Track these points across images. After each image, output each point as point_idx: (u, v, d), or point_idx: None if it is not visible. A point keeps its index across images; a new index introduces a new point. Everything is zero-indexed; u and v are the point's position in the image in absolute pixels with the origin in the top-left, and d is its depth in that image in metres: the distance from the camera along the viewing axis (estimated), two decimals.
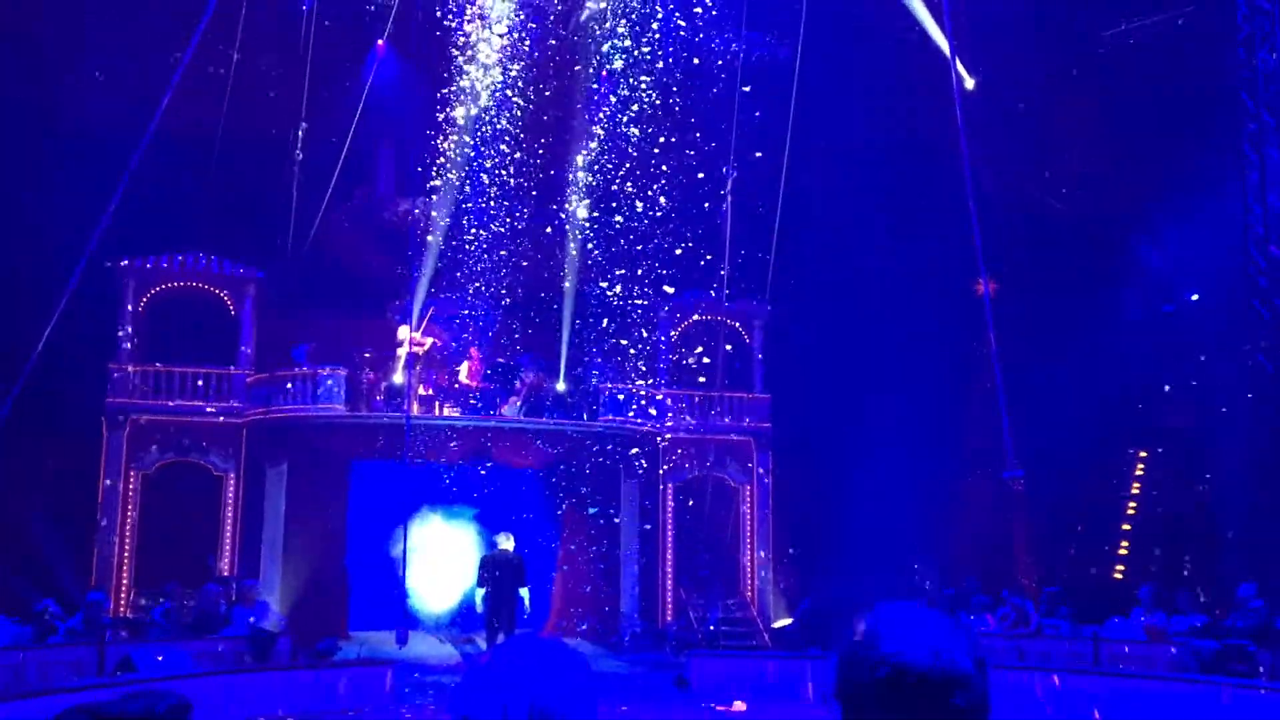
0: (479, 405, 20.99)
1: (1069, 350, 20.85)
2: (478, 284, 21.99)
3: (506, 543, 17.52)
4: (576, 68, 22.72)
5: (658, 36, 21.93)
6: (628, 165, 21.99)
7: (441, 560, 20.93)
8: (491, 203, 22.28)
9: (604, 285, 22.49)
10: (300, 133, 22.92)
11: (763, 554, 23.07)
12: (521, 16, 22.16)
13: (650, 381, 22.74)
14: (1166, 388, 21.96)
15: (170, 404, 20.64)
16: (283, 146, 22.92)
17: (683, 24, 21.74)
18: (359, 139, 22.15)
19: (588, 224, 22.60)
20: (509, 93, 22.22)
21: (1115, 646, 14.58)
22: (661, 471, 22.44)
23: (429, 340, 21.37)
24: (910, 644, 2.19)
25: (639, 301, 22.43)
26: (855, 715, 2.24)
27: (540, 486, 21.48)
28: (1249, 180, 15.97)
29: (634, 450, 21.78)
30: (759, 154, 21.76)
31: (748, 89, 21.10)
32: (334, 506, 20.36)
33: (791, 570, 23.59)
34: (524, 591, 17.20)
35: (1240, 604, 14.84)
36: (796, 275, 22.22)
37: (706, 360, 23.38)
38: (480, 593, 17.47)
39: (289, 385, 20.64)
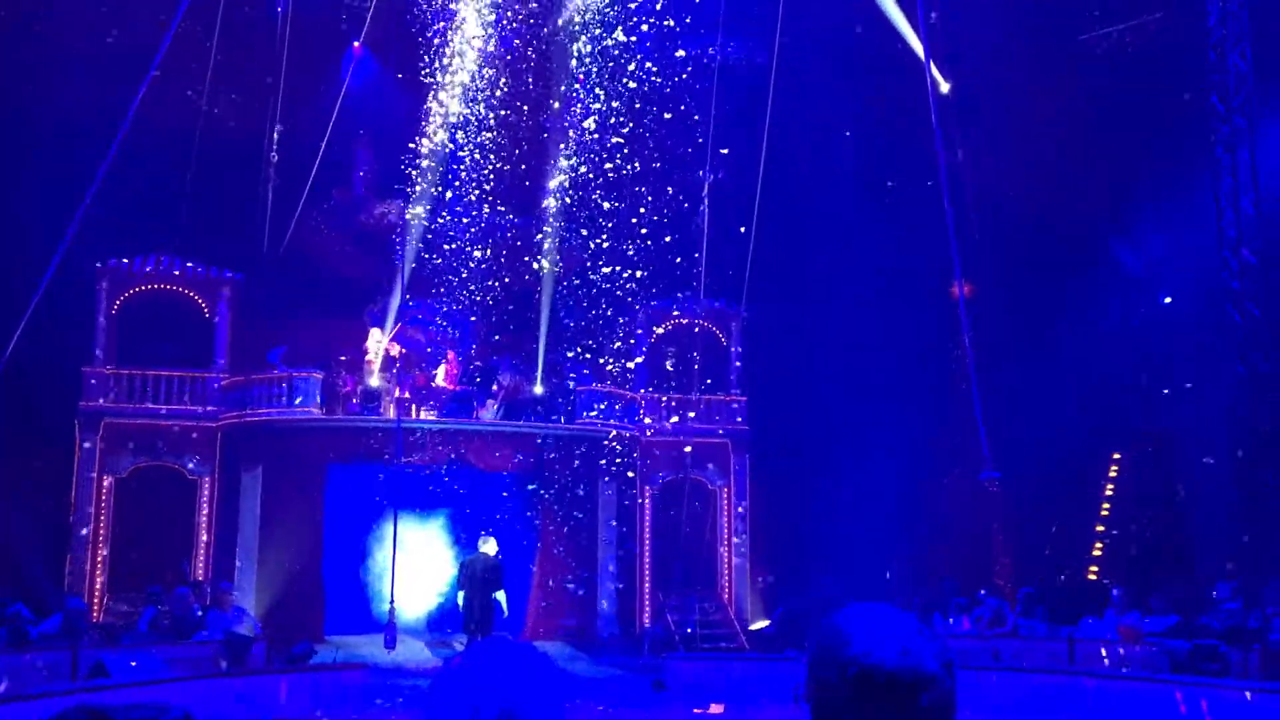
0: (462, 393, 21.07)
1: (1045, 353, 20.82)
2: (455, 286, 21.90)
3: (486, 546, 17.56)
4: (555, 70, 22.74)
5: (635, 40, 21.95)
6: (605, 168, 21.90)
7: (419, 564, 20.69)
8: (468, 205, 22.25)
9: (581, 288, 22.43)
10: (276, 134, 22.78)
11: (740, 556, 23.10)
12: (501, 20, 22.22)
13: (628, 384, 22.79)
14: (1141, 390, 21.99)
15: (144, 407, 20.52)
16: (258, 148, 22.75)
17: (663, 24, 21.73)
18: (335, 141, 21.99)
19: (565, 227, 22.60)
20: (486, 95, 22.19)
21: (1090, 646, 14.71)
22: (639, 474, 22.45)
23: (396, 347, 21.34)
24: (879, 644, 2.23)
25: (616, 304, 22.40)
26: (825, 715, 2.27)
27: (518, 489, 21.31)
28: (1222, 184, 16.04)
29: (611, 453, 21.77)
30: (736, 158, 21.72)
31: (723, 113, 21.01)
32: (310, 510, 20.17)
33: (769, 572, 23.66)
34: (500, 595, 17.23)
35: (1216, 604, 15.03)
36: (773, 278, 22.13)
37: (684, 363, 23.43)
38: (461, 595, 17.56)
39: (264, 389, 20.57)
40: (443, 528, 21.27)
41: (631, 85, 21.81)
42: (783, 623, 21.19)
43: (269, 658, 15.83)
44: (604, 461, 21.74)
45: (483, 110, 22.12)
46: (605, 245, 22.15)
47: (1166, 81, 19.77)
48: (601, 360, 22.73)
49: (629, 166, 21.89)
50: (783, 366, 22.91)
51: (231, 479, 20.42)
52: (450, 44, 22.15)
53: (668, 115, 21.82)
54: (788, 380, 22.80)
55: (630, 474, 22.24)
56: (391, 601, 18.35)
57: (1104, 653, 14.40)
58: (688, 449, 22.70)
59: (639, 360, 23.14)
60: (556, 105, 22.69)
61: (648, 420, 22.75)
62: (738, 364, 23.67)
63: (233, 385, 20.89)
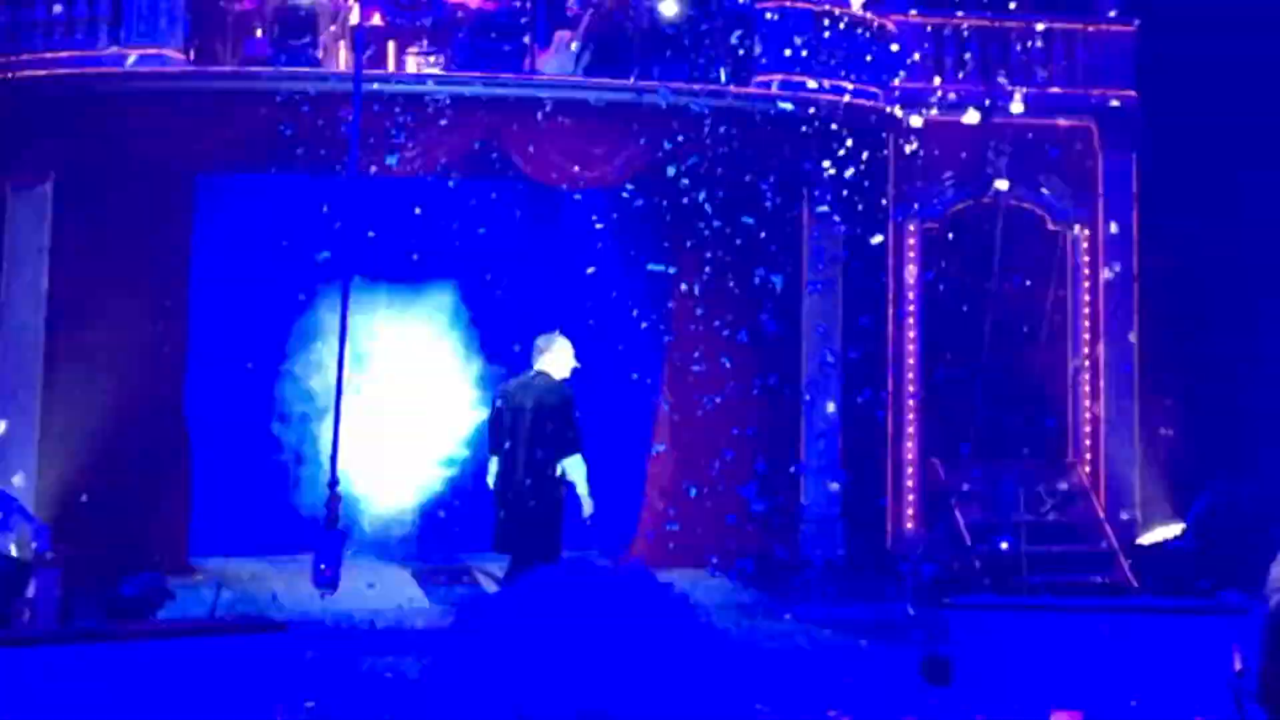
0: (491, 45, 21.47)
1: None
2: None
3: (549, 355, 17.44)
4: None
5: None
6: None
7: (394, 404, 21.23)
8: None
9: None
10: None
11: (1118, 384, 23.92)
12: None
13: (871, 2, 23.40)
14: None
15: None
16: None
17: None
18: None
19: None
20: None
21: None
22: (895, 195, 23.24)
23: None
24: None
25: None
26: None
27: (621, 231, 21.54)
28: None
29: (835, 149, 21.75)
30: None
31: None
32: (157, 273, 20.48)
33: (1178, 422, 24.21)
34: (574, 464, 17.03)
35: None
36: None
37: None
38: (494, 463, 17.74)
39: (52, 10, 20.81)
40: (450, 319, 21.95)
41: None
42: (1206, 532, 21.27)
43: (66, 604, 16.11)
44: (814, 168, 21.87)
45: None
46: None
47: None
48: None
49: None
50: None
51: None
52: None
53: None
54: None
55: (874, 195, 22.50)
56: (333, 484, 18.02)
57: None
58: (1000, 153, 22.96)
59: None
60: None
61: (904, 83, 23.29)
62: None
63: None
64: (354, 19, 21.10)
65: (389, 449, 21.15)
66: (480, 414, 19.73)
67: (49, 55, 20.52)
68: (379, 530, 21.14)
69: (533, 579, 16.17)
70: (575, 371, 17.92)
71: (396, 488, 21.49)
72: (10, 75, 20.43)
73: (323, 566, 17.87)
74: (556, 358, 17.39)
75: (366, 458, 20.25)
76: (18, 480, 18.77)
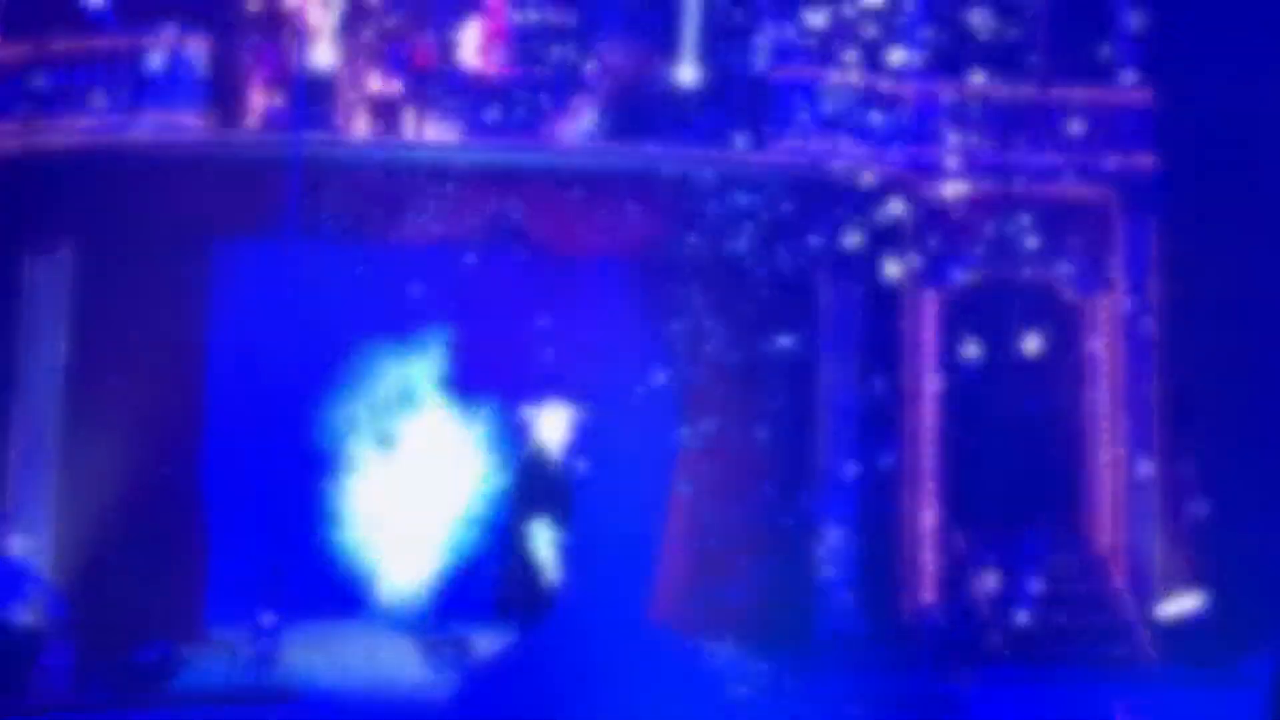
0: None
1: None
2: None
3: (544, 426, 16.99)
4: None
5: None
6: None
7: (408, 470, 21.64)
8: None
9: None
10: None
11: (1137, 454, 23.63)
12: None
13: (888, 69, 23.29)
14: None
15: None
16: None
17: None
18: None
19: None
20: None
21: None
22: (911, 263, 22.94)
23: None
24: None
25: None
26: None
27: (636, 300, 21.84)
28: None
29: (850, 215, 21.91)
30: None
31: None
32: (174, 340, 20.66)
33: (1199, 491, 23.84)
34: (536, 533, 16.65)
35: None
36: None
37: (1010, 21, 24.11)
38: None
39: (74, 77, 21.03)
40: (466, 386, 22.15)
41: None
42: (1223, 604, 21.96)
43: (79, 675, 16.69)
44: (831, 237, 22.04)
45: None
46: None
47: None
48: (826, 24, 23.09)
49: None
50: (1230, 34, 23.29)
51: (8, 273, 20.99)
52: None
53: None
54: (1240, 61, 23.29)
55: (893, 265, 22.49)
56: (276, 559, 18.83)
57: None
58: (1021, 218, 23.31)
59: (913, 18, 23.90)
60: None
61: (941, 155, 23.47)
62: (1134, 25, 24.43)
63: (6, 68, 21.12)
64: (374, 86, 21.48)
65: (404, 519, 21.32)
66: (491, 484, 19.95)
67: (69, 123, 20.73)
68: (392, 600, 21.29)
69: (539, 643, 16.49)
70: (590, 440, 17.58)
71: (410, 558, 21.61)
72: (30, 143, 20.64)
73: (262, 638, 18.49)
74: (545, 427, 17.13)
75: (381, 527, 20.41)
76: (33, 552, 18.95)
